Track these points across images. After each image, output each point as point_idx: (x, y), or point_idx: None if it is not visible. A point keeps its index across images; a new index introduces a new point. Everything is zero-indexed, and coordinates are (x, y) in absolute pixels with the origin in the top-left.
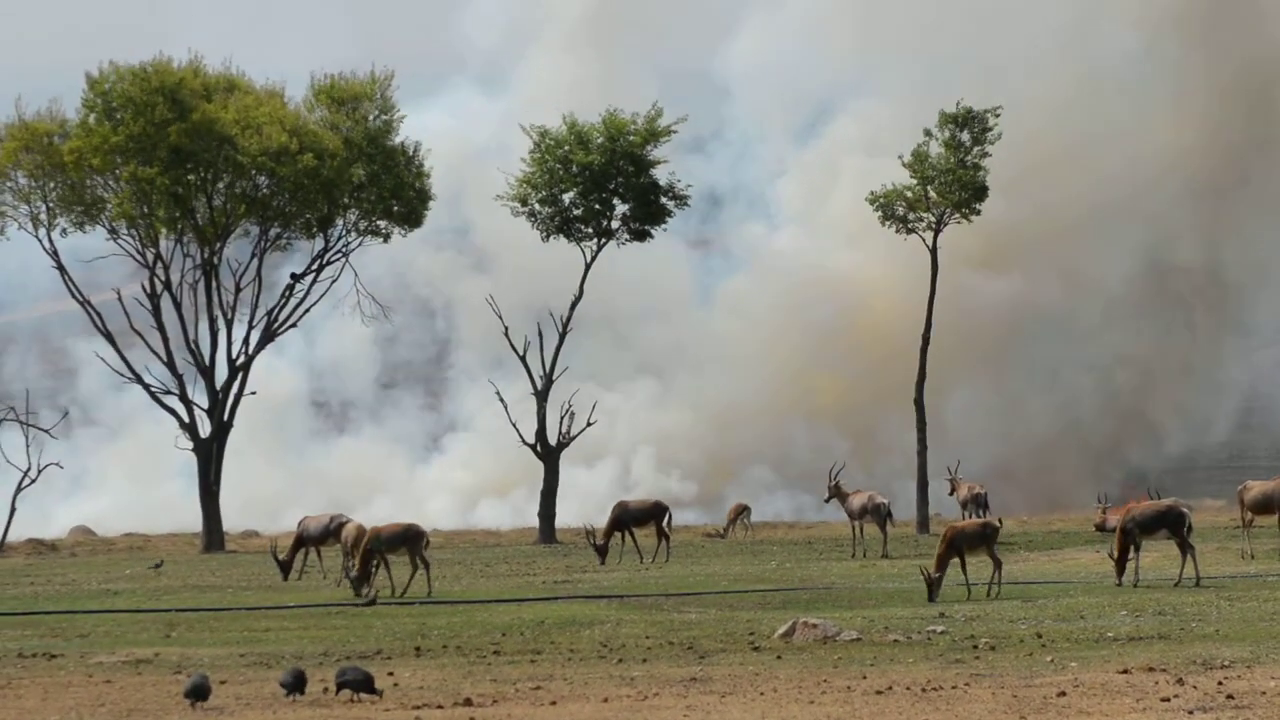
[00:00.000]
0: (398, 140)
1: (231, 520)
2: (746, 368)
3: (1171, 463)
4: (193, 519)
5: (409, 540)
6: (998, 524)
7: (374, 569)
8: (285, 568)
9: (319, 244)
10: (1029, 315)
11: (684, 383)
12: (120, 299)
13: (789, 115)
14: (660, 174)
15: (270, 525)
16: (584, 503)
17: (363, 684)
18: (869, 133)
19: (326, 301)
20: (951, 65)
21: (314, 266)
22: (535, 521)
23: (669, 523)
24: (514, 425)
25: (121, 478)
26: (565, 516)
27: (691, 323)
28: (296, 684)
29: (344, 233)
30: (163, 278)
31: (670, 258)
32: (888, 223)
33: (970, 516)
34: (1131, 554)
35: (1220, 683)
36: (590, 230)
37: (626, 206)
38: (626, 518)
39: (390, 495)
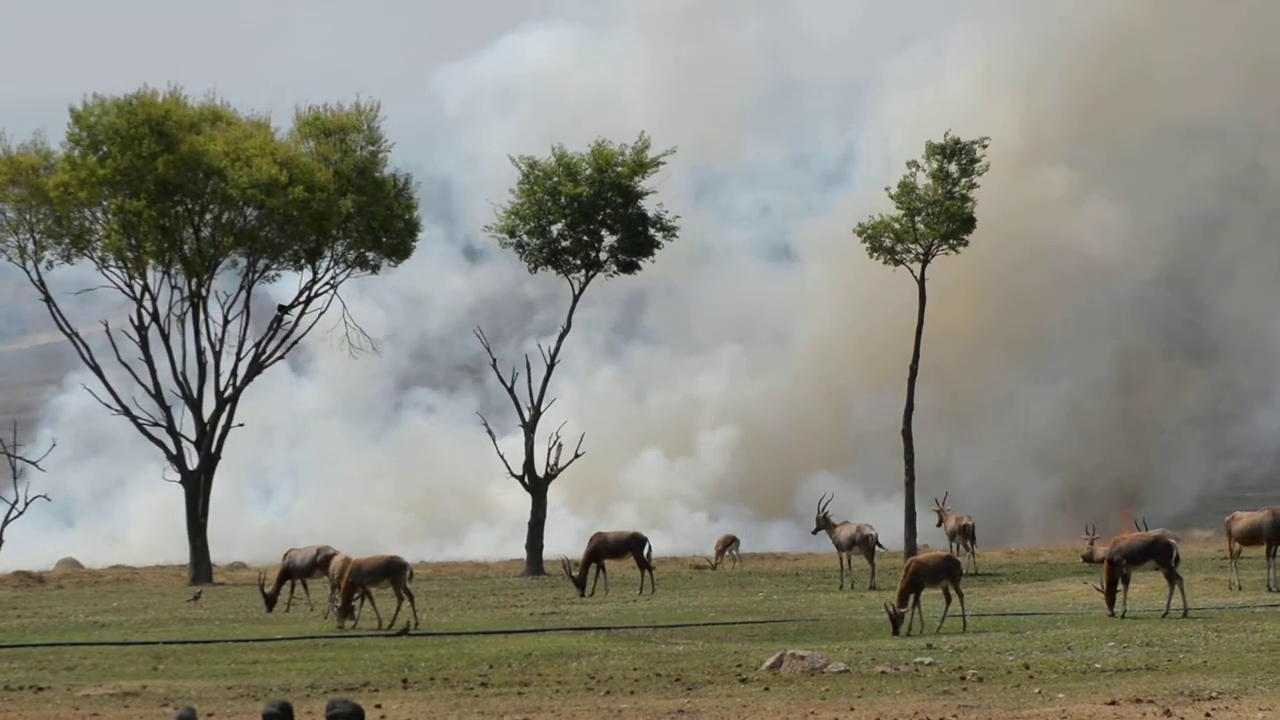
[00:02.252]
0: (386, 172)
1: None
2: None
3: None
4: (180, 552)
5: (391, 573)
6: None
7: (359, 601)
8: (271, 600)
9: (307, 276)
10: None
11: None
12: (108, 331)
13: None
14: (648, 205)
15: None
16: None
17: (352, 716)
18: None
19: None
20: None
21: (302, 298)
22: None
23: (649, 554)
24: (501, 457)
25: (109, 510)
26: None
27: None
28: (281, 716)
29: (332, 264)
30: (150, 309)
31: None
32: (875, 254)
33: (958, 548)
34: (1120, 585)
35: (1208, 714)
36: (578, 262)
37: (615, 238)
38: (604, 549)
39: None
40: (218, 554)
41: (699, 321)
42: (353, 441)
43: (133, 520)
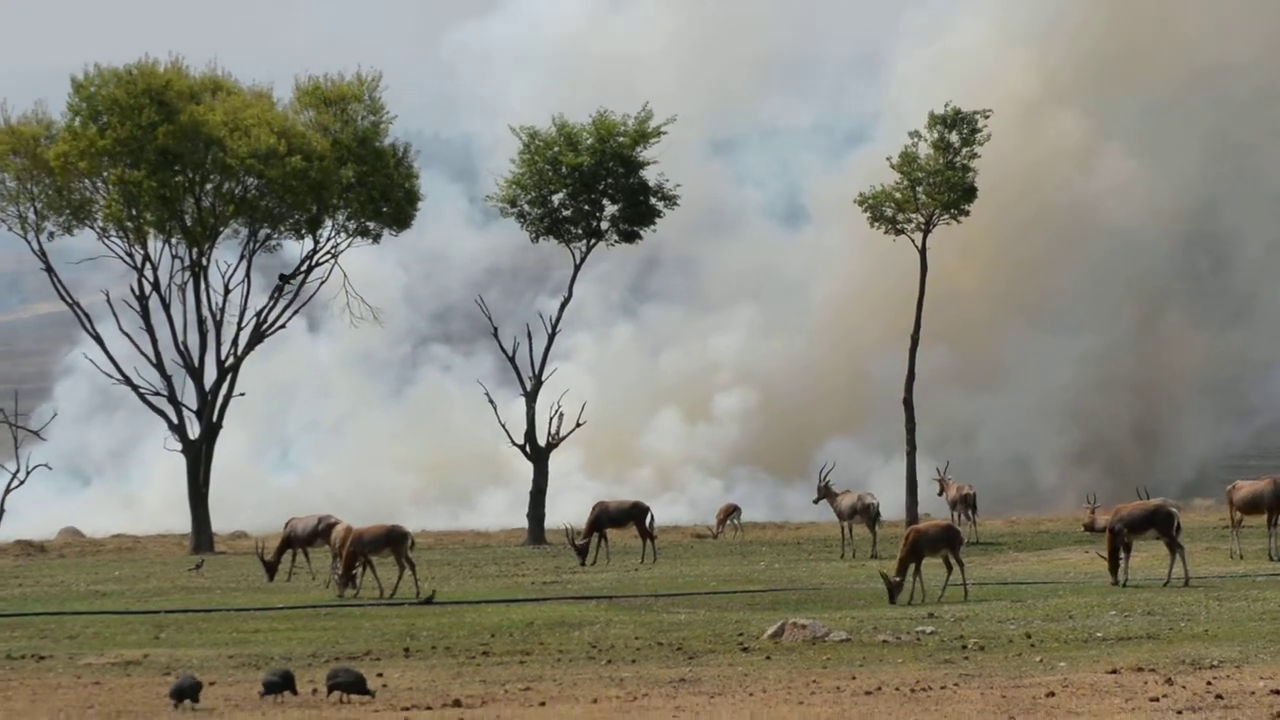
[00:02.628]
0: (387, 142)
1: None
2: None
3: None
4: (181, 520)
5: (392, 542)
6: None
7: (360, 570)
8: (271, 569)
9: (308, 245)
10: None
11: None
12: (109, 301)
13: None
14: (650, 174)
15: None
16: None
17: (355, 685)
18: None
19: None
20: None
21: (303, 268)
22: (524, 522)
23: (651, 523)
24: (503, 426)
25: (110, 479)
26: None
27: None
28: (283, 685)
29: (333, 234)
30: (151, 279)
31: None
32: (877, 224)
33: (959, 517)
34: (1122, 554)
35: (1209, 683)
36: (580, 231)
37: (616, 207)
38: (605, 518)
39: None
40: (235, 519)
41: (714, 282)
42: (369, 402)
43: (134, 489)
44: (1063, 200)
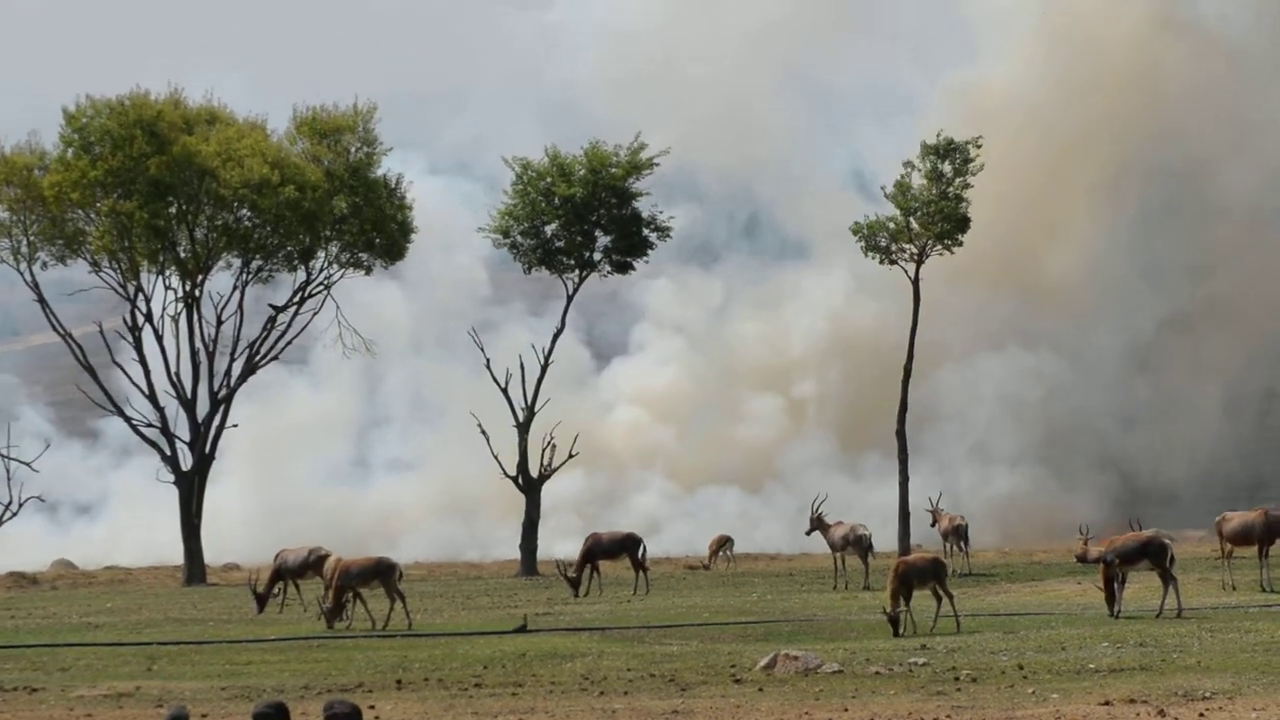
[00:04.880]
0: (380, 173)
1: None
2: None
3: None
4: (174, 552)
5: (380, 573)
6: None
7: (349, 602)
8: (261, 601)
9: (301, 276)
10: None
11: None
12: (102, 332)
13: None
14: (643, 206)
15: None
16: None
17: (351, 717)
18: None
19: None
20: None
21: (295, 299)
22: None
23: (644, 554)
24: (495, 457)
25: (103, 511)
26: None
27: None
28: (275, 716)
29: (326, 265)
30: (144, 310)
31: None
32: (870, 254)
33: (951, 548)
34: (1116, 585)
35: (1201, 714)
36: (572, 262)
37: (609, 238)
38: (599, 550)
39: None
40: (226, 551)
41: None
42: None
43: (126, 521)
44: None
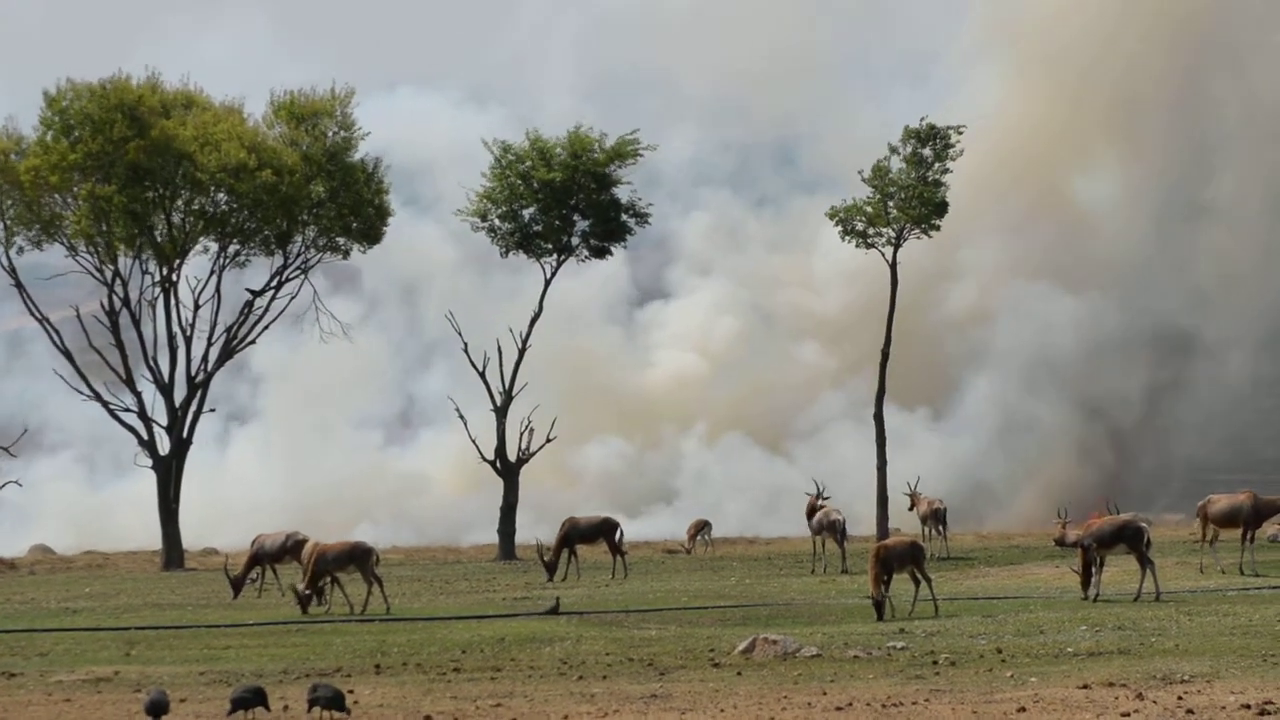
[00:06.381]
0: (357, 157)
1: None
2: None
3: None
4: (151, 537)
5: (356, 558)
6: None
7: (327, 587)
8: (237, 585)
9: (278, 261)
10: None
11: None
12: (79, 316)
13: None
14: (622, 192)
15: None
16: None
17: (334, 701)
18: None
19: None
20: None
21: (273, 283)
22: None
23: (621, 538)
24: (473, 441)
25: (80, 495)
26: None
27: None
28: (254, 700)
29: (303, 249)
30: (121, 295)
31: None
32: (847, 238)
33: (930, 532)
34: (1094, 569)
35: (1180, 697)
36: (550, 246)
37: (587, 223)
38: (575, 534)
39: None
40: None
41: None
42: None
43: (104, 506)
44: None
